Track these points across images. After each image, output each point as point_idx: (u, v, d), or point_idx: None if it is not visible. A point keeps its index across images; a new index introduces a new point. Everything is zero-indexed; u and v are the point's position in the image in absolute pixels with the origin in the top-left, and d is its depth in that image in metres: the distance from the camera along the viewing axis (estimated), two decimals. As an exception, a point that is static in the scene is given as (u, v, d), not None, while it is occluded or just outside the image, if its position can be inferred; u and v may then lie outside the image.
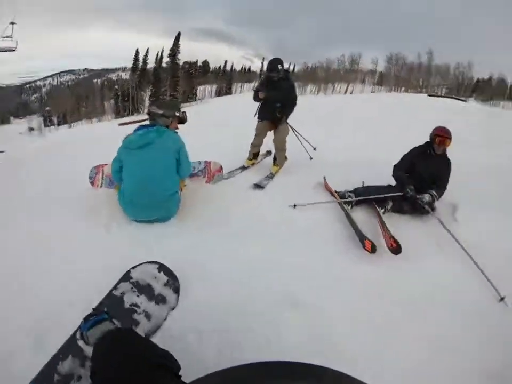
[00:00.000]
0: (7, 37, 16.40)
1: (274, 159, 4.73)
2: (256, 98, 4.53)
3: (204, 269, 1.98)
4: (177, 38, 49.09)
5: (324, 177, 4.02)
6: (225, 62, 62.82)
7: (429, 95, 40.16)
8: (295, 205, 3.37)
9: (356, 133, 8.36)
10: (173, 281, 1.73)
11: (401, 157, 3.78)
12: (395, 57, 56.21)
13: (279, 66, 4.35)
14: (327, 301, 1.83)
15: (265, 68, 4.94)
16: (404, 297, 2.00)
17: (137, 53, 50.12)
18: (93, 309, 1.30)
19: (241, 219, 2.92)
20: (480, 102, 42.08)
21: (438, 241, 2.90)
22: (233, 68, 61.42)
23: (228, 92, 54.58)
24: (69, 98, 52.68)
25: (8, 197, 3.39)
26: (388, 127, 9.19)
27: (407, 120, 10.86)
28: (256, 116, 4.72)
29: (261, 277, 2.00)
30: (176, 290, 1.70)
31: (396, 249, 2.62)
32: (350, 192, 3.64)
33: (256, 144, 4.76)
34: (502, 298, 2.19)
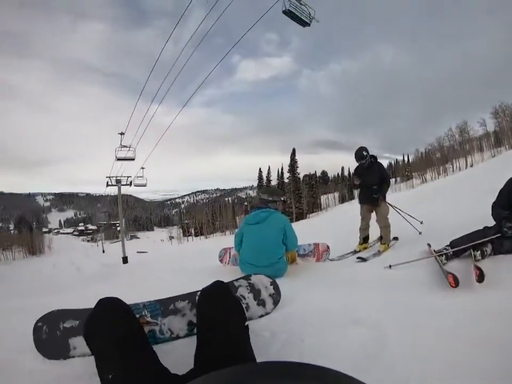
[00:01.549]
0: (140, 177, 23.65)
1: (380, 237, 4.96)
2: (353, 186, 5.09)
3: (300, 299, 2.44)
4: (293, 153, 53.11)
5: (428, 244, 3.86)
6: (342, 168, 65.23)
7: None
8: (390, 266, 3.45)
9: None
10: (276, 295, 2.22)
11: (499, 192, 3.43)
12: (500, 108, 51.08)
13: (364, 153, 4.83)
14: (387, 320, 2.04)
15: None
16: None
17: (260, 171, 55.07)
18: None
19: (339, 276, 3.42)
20: None
21: None
22: (350, 172, 64.55)
23: (351, 197, 54.55)
24: (204, 213, 60.83)
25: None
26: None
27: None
28: (358, 201, 5.21)
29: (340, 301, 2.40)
30: (276, 303, 2.19)
31: (478, 276, 2.54)
32: (447, 246, 3.40)
33: (363, 228, 5.10)
34: None
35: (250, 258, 3.43)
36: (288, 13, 9.23)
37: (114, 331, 1.21)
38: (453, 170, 50.27)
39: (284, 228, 3.48)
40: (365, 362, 1.63)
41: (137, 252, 31.69)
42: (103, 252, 46.82)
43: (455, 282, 2.59)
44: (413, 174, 58.98)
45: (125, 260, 17.72)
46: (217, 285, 1.53)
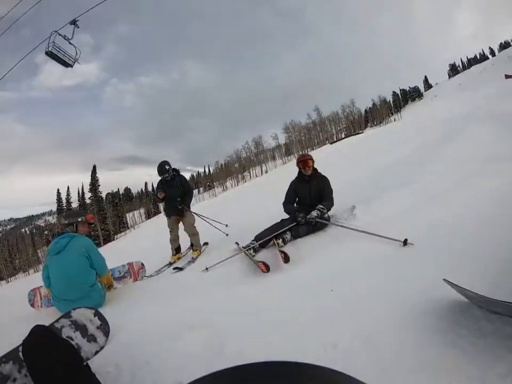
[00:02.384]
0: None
1: (191, 245, 5.24)
2: (158, 199, 5.19)
3: (129, 322, 2.45)
4: (94, 171, 48.78)
5: (236, 243, 4.34)
6: (145, 183, 63.88)
7: (331, 143, 45.86)
8: (207, 268, 3.78)
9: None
10: (104, 325, 2.10)
11: (286, 192, 4.33)
12: (290, 124, 63.49)
13: (167, 167, 5.02)
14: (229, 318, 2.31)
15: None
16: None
17: (58, 193, 48.30)
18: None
19: (161, 289, 3.64)
20: (374, 127, 49.22)
21: (335, 236, 3.67)
22: (153, 186, 63.80)
23: (157, 211, 53.50)
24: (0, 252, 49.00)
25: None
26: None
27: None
28: (164, 214, 5.35)
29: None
30: (107, 334, 2.08)
31: (284, 258, 3.19)
32: (252, 240, 3.98)
33: (173, 239, 5.26)
34: (405, 242, 2.88)
35: (62, 293, 3.10)
36: (50, 54, 9.24)
37: None
38: (250, 177, 56.91)
39: (87, 251, 3.26)
40: (214, 359, 1.78)
41: None
42: None
43: (266, 268, 3.12)
44: (215, 183, 63.42)
45: None
46: (38, 331, 1.41)
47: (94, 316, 2.12)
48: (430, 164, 5.75)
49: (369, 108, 64.75)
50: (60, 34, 9.20)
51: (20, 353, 1.45)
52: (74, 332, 1.96)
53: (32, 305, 3.80)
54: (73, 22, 9.19)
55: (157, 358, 1.85)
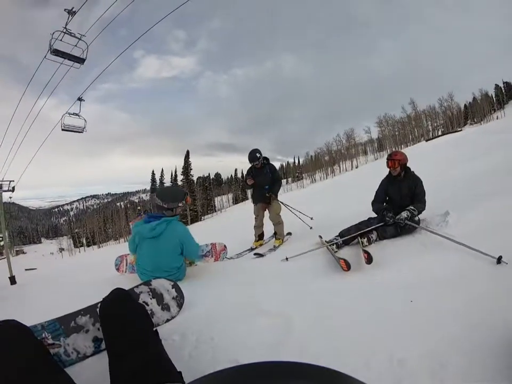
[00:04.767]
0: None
1: (275, 233, 5.27)
2: (246, 186, 5.29)
3: (204, 298, 2.50)
4: (187, 156, 52.25)
5: (319, 236, 4.29)
6: (235, 170, 66.62)
7: (427, 141, 42.08)
8: (287, 258, 3.72)
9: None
10: (180, 297, 2.19)
11: (375, 191, 4.12)
12: (384, 118, 60.79)
13: (258, 155, 5.07)
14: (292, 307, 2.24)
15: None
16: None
17: (153, 174, 53.61)
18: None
19: (238, 273, 3.61)
20: (474, 125, 44.36)
21: (423, 242, 3.39)
22: (243, 173, 66.76)
23: (244, 197, 55.65)
24: (95, 221, 55.45)
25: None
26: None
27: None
28: (251, 201, 5.47)
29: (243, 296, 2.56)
30: (180, 305, 2.17)
31: (367, 258, 3.01)
32: (336, 236, 3.89)
33: (258, 225, 5.34)
34: (499, 260, 2.45)
35: (147, 268, 3.14)
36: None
37: (19, 360, 1.09)
38: (340, 171, 56.03)
39: (181, 242, 3.17)
40: (276, 347, 1.74)
41: (26, 270, 27.14)
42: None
43: (347, 266, 2.97)
44: (303, 175, 63.51)
45: (12, 280, 15.15)
46: (117, 292, 1.49)
47: (172, 288, 2.19)
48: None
49: (469, 102, 58.89)
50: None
51: (98, 309, 1.53)
52: (151, 298, 2.04)
53: (118, 269, 4.13)
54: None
55: (221, 335, 1.87)
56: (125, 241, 40.87)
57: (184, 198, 3.38)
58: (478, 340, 1.61)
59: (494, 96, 57.46)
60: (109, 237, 52.04)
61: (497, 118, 43.52)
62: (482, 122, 48.85)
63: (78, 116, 11.56)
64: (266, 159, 5.29)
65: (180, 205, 3.32)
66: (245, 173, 5.79)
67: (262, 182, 5.12)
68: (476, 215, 3.68)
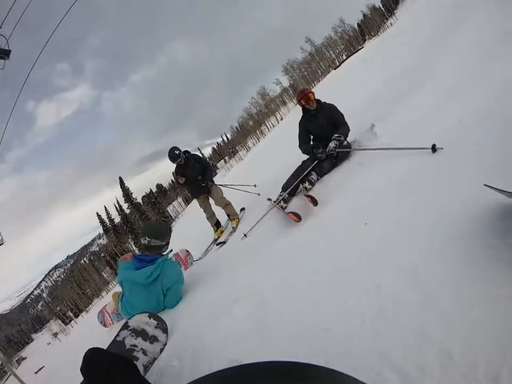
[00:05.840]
0: None
1: (228, 215, 5.27)
2: (180, 185, 5.24)
3: (182, 312, 2.51)
4: (121, 183, 49.90)
5: (268, 199, 4.06)
6: (173, 173, 63.79)
7: (335, 69, 43.96)
8: (245, 235, 3.77)
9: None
10: (161, 323, 2.19)
11: (298, 136, 4.17)
12: (288, 64, 63.27)
13: (177, 152, 4.98)
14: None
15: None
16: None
17: (98, 215, 49.54)
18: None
19: (206, 270, 3.60)
20: (373, 38, 46.88)
21: (360, 162, 3.54)
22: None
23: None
24: (70, 290, 52.41)
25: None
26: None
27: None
28: (192, 197, 5.38)
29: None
30: (165, 330, 2.17)
31: (312, 201, 3.09)
32: (281, 192, 3.84)
33: (210, 216, 5.33)
34: (433, 148, 2.54)
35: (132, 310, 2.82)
36: None
37: None
38: (268, 130, 56.43)
39: (170, 287, 2.86)
40: (259, 328, 1.77)
41: (35, 373, 24.86)
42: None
43: (297, 217, 3.01)
44: (237, 147, 63.36)
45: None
46: (86, 356, 1.44)
47: (149, 318, 2.20)
48: (440, 57, 5.29)
49: (361, 20, 62.13)
50: None
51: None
52: (136, 338, 2.03)
53: (105, 325, 3.89)
54: None
55: (209, 340, 1.90)
56: (106, 293, 39.13)
57: (170, 225, 3.34)
58: (441, 236, 1.64)
59: (381, 6, 60.83)
60: (90, 297, 49.47)
61: (391, 25, 45.18)
62: (379, 33, 50.67)
63: None
64: (187, 152, 5.23)
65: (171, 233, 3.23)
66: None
67: (193, 175, 5.06)
68: (398, 118, 3.86)
